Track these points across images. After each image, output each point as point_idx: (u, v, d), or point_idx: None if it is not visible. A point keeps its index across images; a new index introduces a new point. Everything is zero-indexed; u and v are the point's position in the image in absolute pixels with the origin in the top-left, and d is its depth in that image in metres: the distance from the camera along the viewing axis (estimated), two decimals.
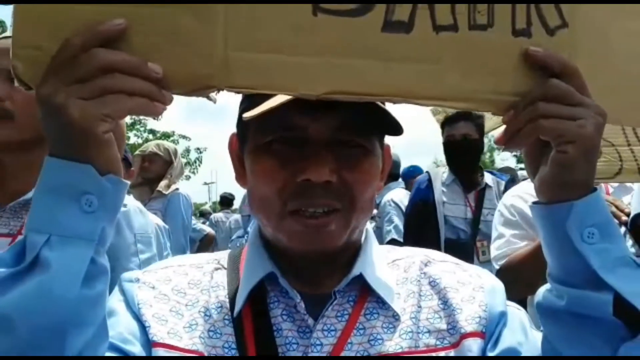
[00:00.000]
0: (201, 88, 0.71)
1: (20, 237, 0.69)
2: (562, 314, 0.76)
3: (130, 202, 1.69)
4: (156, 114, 0.69)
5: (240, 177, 0.90)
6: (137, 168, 4.13)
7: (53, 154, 0.68)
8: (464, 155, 3.27)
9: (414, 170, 5.05)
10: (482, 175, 3.37)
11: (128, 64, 0.66)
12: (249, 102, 0.83)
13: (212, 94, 0.73)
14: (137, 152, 4.45)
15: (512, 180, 3.35)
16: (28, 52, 0.68)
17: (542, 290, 0.81)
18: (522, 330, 0.87)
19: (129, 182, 0.73)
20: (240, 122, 0.85)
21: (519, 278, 1.93)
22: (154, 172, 4.11)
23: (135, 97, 0.66)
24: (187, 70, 0.70)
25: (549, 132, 0.73)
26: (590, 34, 0.80)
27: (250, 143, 0.85)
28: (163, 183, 4.11)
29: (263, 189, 0.82)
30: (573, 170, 0.74)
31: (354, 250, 0.89)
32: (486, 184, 3.32)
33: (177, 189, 4.24)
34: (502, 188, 3.27)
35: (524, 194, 2.14)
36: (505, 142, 0.77)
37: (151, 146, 4.30)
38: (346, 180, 0.81)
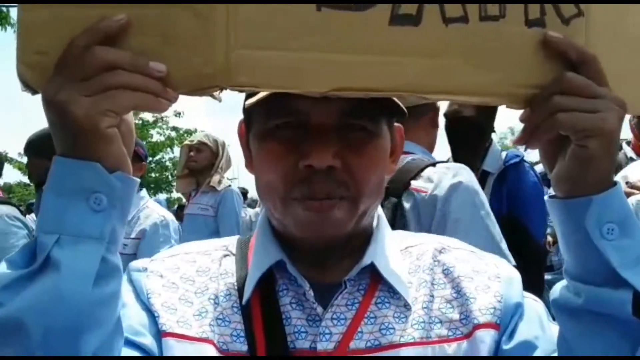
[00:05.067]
0: (204, 88, 0.71)
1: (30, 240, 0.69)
2: (579, 312, 0.74)
3: None
4: (160, 110, 0.70)
5: (249, 163, 0.90)
6: (184, 159, 4.18)
7: (60, 153, 0.68)
8: (454, 135, 2.63)
9: None
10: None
11: (130, 61, 0.67)
12: None
13: (216, 93, 0.73)
14: (185, 142, 4.49)
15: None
16: (34, 58, 0.69)
17: (558, 287, 0.78)
18: (539, 323, 0.85)
19: (138, 180, 0.74)
20: (246, 108, 0.85)
21: None
22: (200, 163, 4.09)
23: (138, 93, 0.67)
24: (189, 70, 0.70)
25: (569, 127, 0.70)
26: (605, 23, 0.77)
27: (255, 129, 0.85)
28: (215, 178, 4.07)
29: (268, 175, 0.82)
30: (593, 164, 0.71)
31: (364, 237, 0.88)
32: (484, 171, 2.65)
33: (229, 185, 4.22)
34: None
35: None
36: (526, 141, 0.74)
37: (200, 136, 4.30)
38: (350, 166, 0.79)
